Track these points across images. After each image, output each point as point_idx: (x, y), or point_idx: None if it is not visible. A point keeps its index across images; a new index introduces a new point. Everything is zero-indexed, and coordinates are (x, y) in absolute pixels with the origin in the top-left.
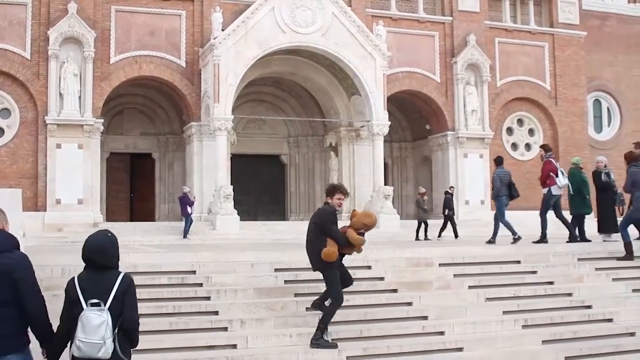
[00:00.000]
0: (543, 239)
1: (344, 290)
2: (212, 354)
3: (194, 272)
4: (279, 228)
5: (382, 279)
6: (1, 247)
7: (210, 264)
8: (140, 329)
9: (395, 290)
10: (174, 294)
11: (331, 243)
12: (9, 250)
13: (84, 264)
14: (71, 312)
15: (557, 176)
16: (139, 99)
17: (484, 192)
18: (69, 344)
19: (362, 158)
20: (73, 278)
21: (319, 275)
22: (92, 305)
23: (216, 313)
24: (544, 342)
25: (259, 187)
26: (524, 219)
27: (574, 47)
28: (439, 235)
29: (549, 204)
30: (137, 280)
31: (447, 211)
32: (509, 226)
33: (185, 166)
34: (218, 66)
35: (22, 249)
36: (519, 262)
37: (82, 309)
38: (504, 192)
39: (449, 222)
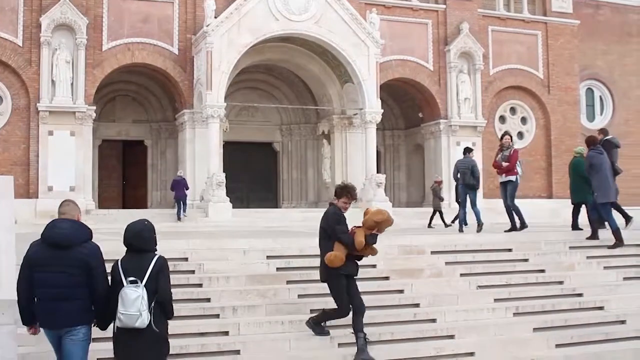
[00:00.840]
0: (523, 225)
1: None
2: (204, 340)
3: (186, 259)
4: (271, 215)
5: (374, 266)
6: (80, 238)
7: (202, 251)
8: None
9: (387, 278)
10: None
11: (338, 247)
12: (86, 240)
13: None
14: (116, 290)
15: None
16: (131, 86)
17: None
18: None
19: (354, 146)
20: (117, 261)
21: (312, 262)
22: (130, 282)
23: (208, 300)
24: (535, 329)
25: (252, 174)
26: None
27: (567, 35)
28: (429, 225)
29: (515, 193)
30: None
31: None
32: (478, 213)
33: (177, 153)
34: (211, 53)
35: (14, 236)
36: (510, 250)
37: (123, 286)
38: (460, 181)
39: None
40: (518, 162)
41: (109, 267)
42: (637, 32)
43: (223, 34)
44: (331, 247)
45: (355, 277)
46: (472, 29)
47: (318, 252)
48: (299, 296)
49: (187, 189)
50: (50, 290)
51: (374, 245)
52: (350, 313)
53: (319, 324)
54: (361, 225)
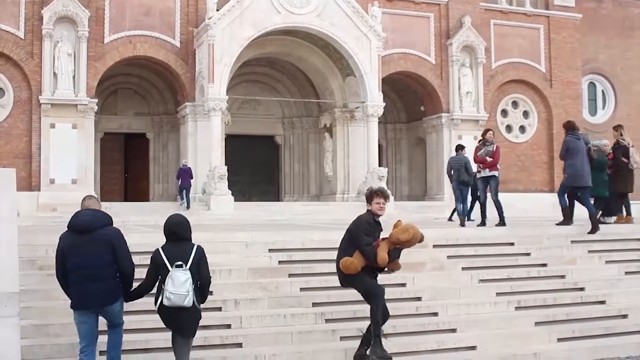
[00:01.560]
0: (502, 222)
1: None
2: (206, 333)
3: None
4: (273, 209)
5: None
6: (101, 222)
7: (204, 244)
8: (133, 309)
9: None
10: None
11: (357, 256)
12: (108, 225)
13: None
14: (156, 273)
15: None
16: (133, 79)
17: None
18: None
19: (356, 139)
20: (158, 249)
21: (314, 255)
22: (177, 266)
23: (210, 293)
24: (536, 323)
25: (253, 167)
26: (515, 202)
27: (569, 29)
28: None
29: (497, 186)
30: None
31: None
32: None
33: (179, 146)
34: (212, 46)
35: (16, 229)
36: (512, 244)
37: (168, 270)
38: (455, 178)
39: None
40: None
41: None
42: (639, 26)
43: (225, 27)
44: (351, 252)
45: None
46: (474, 22)
47: (320, 245)
48: (301, 289)
49: (192, 178)
50: (82, 272)
51: (398, 261)
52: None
53: (378, 343)
54: (388, 238)
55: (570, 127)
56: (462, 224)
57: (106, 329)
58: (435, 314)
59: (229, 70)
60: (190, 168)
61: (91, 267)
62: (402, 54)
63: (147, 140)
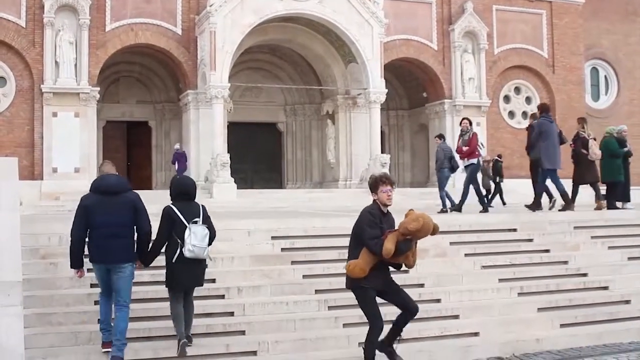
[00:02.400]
0: (456, 207)
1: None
2: (209, 321)
3: None
4: (275, 196)
5: None
6: (125, 186)
7: None
8: (137, 298)
9: None
10: None
11: (364, 254)
12: (130, 189)
13: (173, 198)
14: (170, 229)
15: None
16: (135, 67)
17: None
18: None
19: (359, 126)
20: (170, 206)
21: (316, 242)
22: (193, 222)
23: (213, 281)
24: (539, 309)
25: (256, 155)
26: (518, 188)
27: (571, 14)
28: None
29: (476, 175)
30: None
31: (497, 178)
32: (444, 197)
33: (181, 134)
34: (214, 34)
35: (18, 217)
36: (515, 230)
37: (185, 225)
38: (446, 165)
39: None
40: (480, 145)
41: None
42: None
43: (226, 14)
44: (358, 253)
45: (392, 285)
46: (477, 8)
47: (322, 232)
48: (304, 277)
49: (187, 161)
50: (105, 230)
51: (412, 256)
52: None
53: (387, 351)
54: (397, 229)
55: (544, 110)
56: (445, 209)
57: (113, 318)
58: (438, 301)
59: (231, 58)
60: (184, 152)
61: (114, 225)
62: (404, 40)
63: (149, 128)
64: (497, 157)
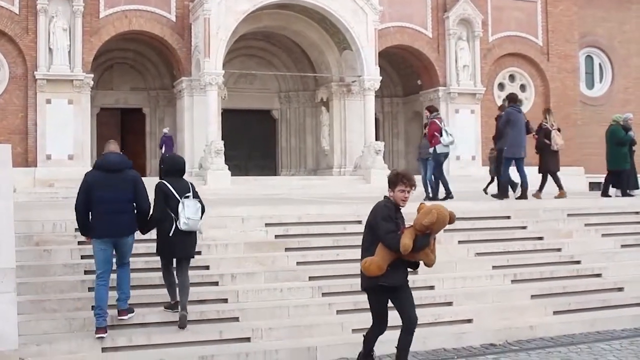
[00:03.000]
0: (448, 195)
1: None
2: (203, 308)
3: None
4: (269, 183)
5: None
6: (127, 164)
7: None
8: (131, 284)
9: None
10: None
11: (380, 251)
12: (131, 167)
13: (165, 174)
14: (164, 203)
15: (441, 135)
16: (129, 53)
17: (475, 147)
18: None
19: (353, 113)
20: (163, 182)
21: (310, 229)
22: (186, 197)
23: (207, 267)
24: (532, 296)
25: (250, 142)
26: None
27: (566, 2)
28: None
29: (440, 162)
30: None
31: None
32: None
33: (175, 121)
34: (208, 20)
35: (12, 204)
36: (509, 217)
37: (178, 200)
38: (424, 156)
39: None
40: (445, 132)
41: None
42: None
43: (221, 1)
44: (374, 250)
45: (405, 288)
46: None
47: (316, 219)
48: (298, 263)
49: (173, 145)
50: (108, 205)
51: (430, 252)
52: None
53: (369, 354)
54: (412, 224)
55: (512, 100)
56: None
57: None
58: (432, 288)
59: (225, 45)
60: (172, 136)
61: (116, 201)
62: (399, 28)
63: (143, 115)
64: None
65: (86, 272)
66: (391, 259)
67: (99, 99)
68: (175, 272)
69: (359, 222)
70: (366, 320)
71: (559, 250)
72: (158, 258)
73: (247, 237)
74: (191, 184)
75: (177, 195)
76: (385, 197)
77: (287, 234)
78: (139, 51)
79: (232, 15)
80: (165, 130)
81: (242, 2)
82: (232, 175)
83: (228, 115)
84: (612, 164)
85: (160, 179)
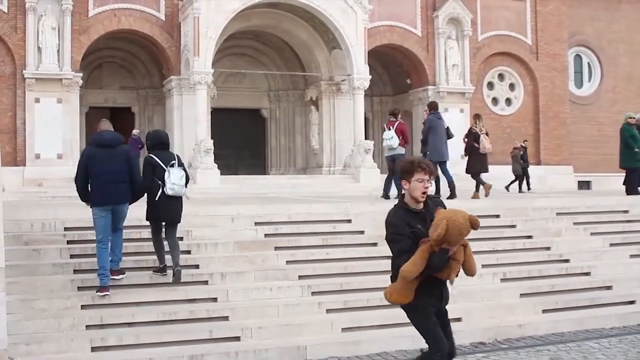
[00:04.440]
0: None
1: None
2: (193, 307)
3: None
4: (259, 182)
5: (362, 232)
6: (120, 140)
7: (190, 218)
8: (120, 283)
9: (375, 244)
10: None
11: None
12: (124, 143)
13: (152, 147)
14: (152, 173)
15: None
16: (118, 52)
17: (463, 146)
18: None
19: (342, 112)
20: (150, 155)
21: (300, 228)
22: (171, 166)
23: (196, 267)
24: (522, 295)
25: (240, 141)
26: (502, 174)
27: (555, 1)
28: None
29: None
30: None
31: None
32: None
33: (165, 120)
34: (198, 19)
35: (1, 203)
36: (498, 216)
37: (164, 169)
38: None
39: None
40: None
41: None
42: None
43: (210, 0)
44: (397, 270)
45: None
46: None
47: (306, 218)
48: (287, 262)
49: (141, 147)
50: (106, 177)
51: (453, 268)
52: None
53: None
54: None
55: (433, 107)
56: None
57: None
58: None
59: (215, 44)
60: (139, 137)
61: (112, 173)
62: (388, 27)
63: (132, 114)
64: (522, 144)
65: (75, 272)
66: (417, 282)
67: (88, 98)
68: (165, 237)
69: (349, 221)
70: (356, 319)
71: (548, 249)
72: (150, 264)
73: (237, 236)
74: (177, 155)
75: (163, 165)
76: (401, 197)
77: (277, 233)
78: (128, 50)
79: (221, 14)
80: (135, 131)
81: (231, 1)
82: (221, 174)
83: (217, 114)
84: (626, 161)
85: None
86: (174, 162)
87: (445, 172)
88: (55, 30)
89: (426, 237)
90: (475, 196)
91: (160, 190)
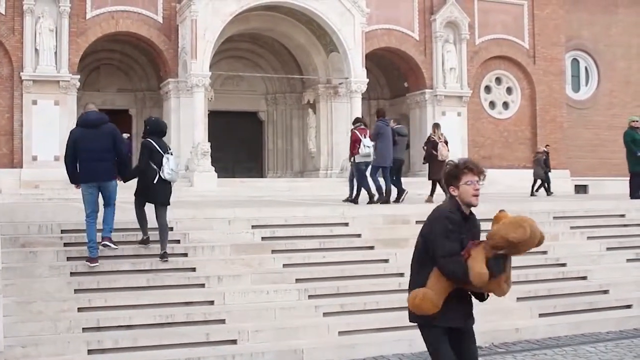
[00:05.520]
0: (353, 198)
1: None
2: (189, 310)
3: (171, 228)
4: (256, 185)
5: (359, 236)
6: (105, 120)
7: (187, 220)
8: (117, 286)
9: (372, 247)
10: (151, 250)
11: (435, 279)
12: (108, 122)
13: (151, 133)
14: (148, 157)
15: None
16: (115, 55)
17: (462, 150)
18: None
19: (340, 115)
20: (149, 140)
21: (297, 231)
22: (170, 153)
23: (193, 270)
24: (518, 299)
25: (237, 144)
26: (499, 178)
27: (553, 5)
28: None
29: (361, 170)
30: (115, 237)
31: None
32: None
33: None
34: (195, 22)
35: None
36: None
37: (161, 155)
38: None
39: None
40: (363, 144)
41: None
42: (623, 3)
43: (208, 2)
44: (426, 275)
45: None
46: None
47: (303, 221)
48: (284, 265)
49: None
50: (91, 154)
51: (504, 279)
52: None
53: None
54: (485, 240)
55: (381, 114)
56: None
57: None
58: None
59: (212, 46)
60: (130, 143)
61: (98, 151)
62: (386, 30)
63: (129, 116)
64: (544, 148)
65: (72, 274)
66: (450, 290)
67: (86, 100)
68: (156, 218)
69: (346, 224)
70: (353, 322)
71: (544, 252)
72: (147, 266)
73: (234, 239)
74: (169, 145)
75: (160, 151)
76: (450, 196)
77: (274, 236)
78: (126, 52)
79: (219, 16)
80: (125, 135)
81: (229, 4)
82: (218, 177)
83: (215, 117)
84: (634, 166)
85: (143, 138)
86: (171, 150)
87: (386, 178)
88: (53, 32)
89: (472, 243)
90: (429, 200)
91: (158, 175)
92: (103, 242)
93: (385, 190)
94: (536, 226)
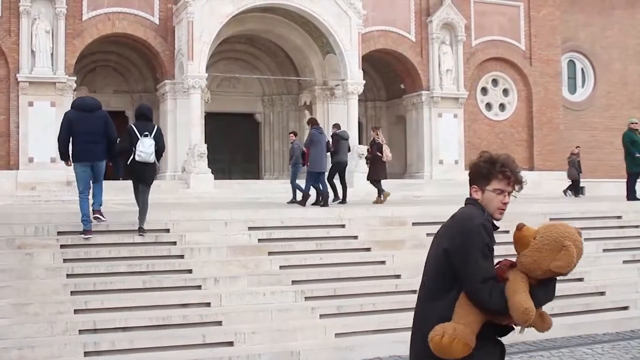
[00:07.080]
0: (300, 199)
1: None
2: (186, 312)
3: (167, 230)
4: (253, 187)
5: (355, 237)
6: (99, 105)
7: (184, 222)
8: (114, 288)
9: (368, 249)
10: (147, 252)
11: (465, 311)
12: (101, 107)
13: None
14: (130, 140)
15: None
16: (112, 56)
17: (458, 151)
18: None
19: (336, 117)
20: (131, 124)
21: (293, 233)
22: (144, 135)
23: (190, 271)
24: None
25: (233, 145)
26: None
27: (549, 7)
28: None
29: (295, 173)
30: (110, 238)
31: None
32: (295, 189)
33: (159, 124)
34: (192, 23)
35: None
36: None
37: (138, 137)
38: (300, 160)
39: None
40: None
41: None
42: (619, 5)
43: (204, 4)
44: (449, 303)
45: None
46: (455, 0)
47: (299, 223)
48: (281, 267)
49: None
50: (85, 136)
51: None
52: None
53: None
54: (515, 263)
55: (314, 123)
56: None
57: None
58: (415, 292)
59: (209, 48)
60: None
61: (92, 133)
62: (382, 32)
63: (126, 118)
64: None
65: (68, 276)
66: (482, 323)
67: None
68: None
69: (342, 226)
70: (349, 324)
71: None
72: (143, 268)
73: (230, 240)
74: (157, 127)
75: (137, 134)
76: (469, 200)
77: (271, 238)
78: (122, 54)
79: (215, 18)
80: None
81: (225, 5)
82: (215, 178)
83: (211, 119)
84: (631, 166)
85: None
86: (147, 132)
87: (322, 182)
88: (49, 34)
89: (502, 262)
90: (378, 201)
91: (132, 156)
92: (95, 216)
93: (322, 193)
94: (577, 236)
